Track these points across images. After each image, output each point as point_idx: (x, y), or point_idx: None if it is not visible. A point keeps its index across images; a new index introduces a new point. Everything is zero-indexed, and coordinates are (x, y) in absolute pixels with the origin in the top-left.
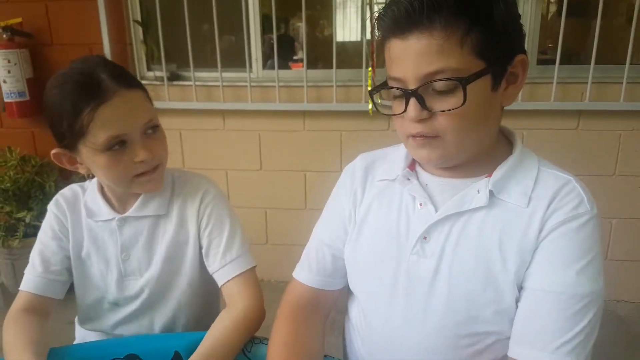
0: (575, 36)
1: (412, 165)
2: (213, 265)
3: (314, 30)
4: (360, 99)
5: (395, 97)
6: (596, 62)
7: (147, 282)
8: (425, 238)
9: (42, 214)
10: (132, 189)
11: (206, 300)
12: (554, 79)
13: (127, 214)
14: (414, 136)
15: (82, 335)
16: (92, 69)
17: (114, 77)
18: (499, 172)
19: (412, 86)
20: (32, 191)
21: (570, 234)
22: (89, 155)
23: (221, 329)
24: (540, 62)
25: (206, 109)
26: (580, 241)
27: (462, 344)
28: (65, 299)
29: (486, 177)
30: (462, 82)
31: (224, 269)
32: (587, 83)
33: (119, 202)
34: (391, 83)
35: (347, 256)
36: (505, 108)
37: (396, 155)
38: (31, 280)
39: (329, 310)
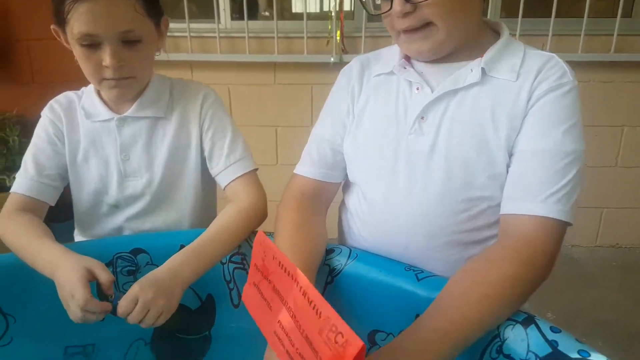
0: None
1: (406, 57)
2: (217, 167)
3: None
4: (330, 51)
5: None
6: (556, 16)
7: (148, 183)
8: (422, 118)
9: (6, 168)
10: (101, 89)
11: (207, 207)
12: (517, 31)
13: (126, 114)
14: (405, 31)
15: None
16: None
17: None
18: (489, 53)
19: None
20: None
21: (556, 100)
22: (70, 42)
23: (226, 217)
24: (504, 15)
25: (174, 60)
26: (564, 106)
27: (459, 209)
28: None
29: (479, 58)
30: None
31: (228, 170)
32: (547, 35)
33: (114, 103)
34: None
35: (347, 147)
36: None
37: (390, 52)
38: (23, 183)
39: (329, 202)
